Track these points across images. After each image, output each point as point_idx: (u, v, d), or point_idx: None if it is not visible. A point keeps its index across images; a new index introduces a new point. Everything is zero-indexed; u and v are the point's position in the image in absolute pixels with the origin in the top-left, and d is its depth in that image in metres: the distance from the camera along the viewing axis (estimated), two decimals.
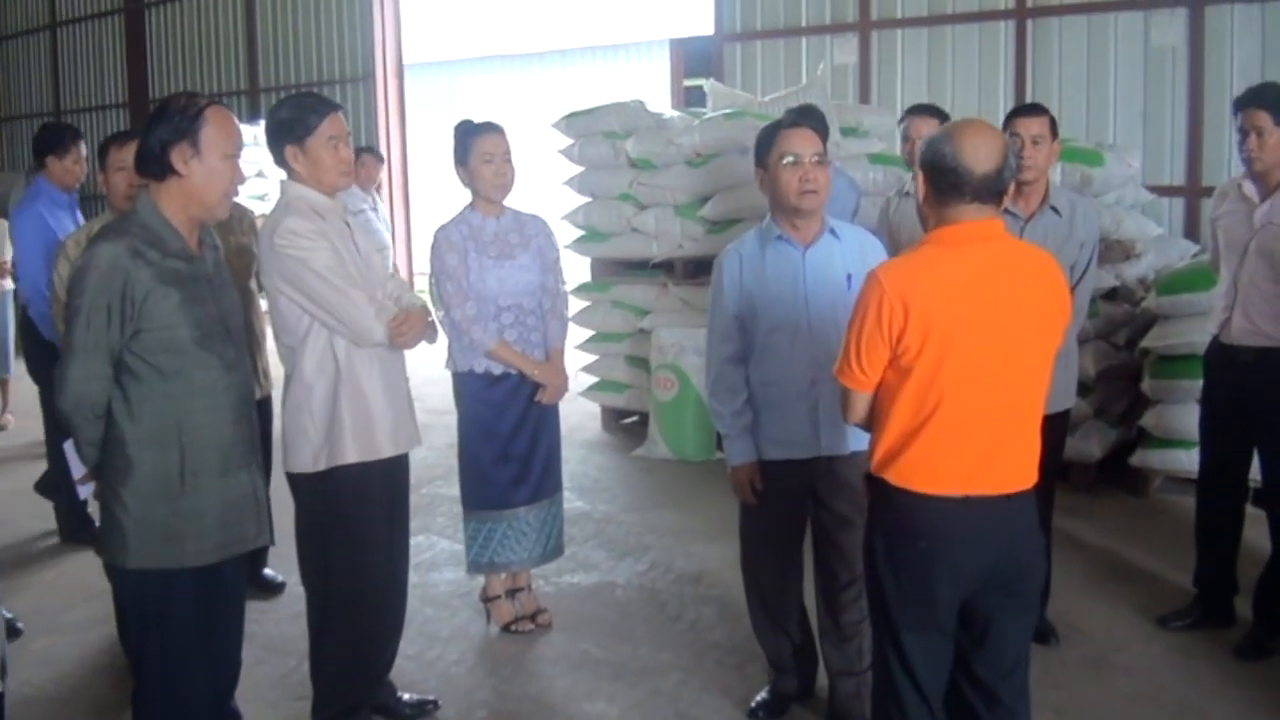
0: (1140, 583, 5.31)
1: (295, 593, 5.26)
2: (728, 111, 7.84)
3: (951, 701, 3.06)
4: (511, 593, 4.98)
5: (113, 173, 4.42)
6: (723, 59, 11.50)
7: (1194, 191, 9.21)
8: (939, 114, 5.47)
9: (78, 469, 3.37)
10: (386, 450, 3.84)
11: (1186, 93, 9.19)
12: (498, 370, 4.65)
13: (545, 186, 9.62)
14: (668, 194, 7.85)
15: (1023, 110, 4.68)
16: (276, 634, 4.91)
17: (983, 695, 3.03)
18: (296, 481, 3.84)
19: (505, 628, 4.90)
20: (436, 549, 5.97)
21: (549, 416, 4.84)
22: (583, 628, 4.96)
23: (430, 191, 15.17)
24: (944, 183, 2.86)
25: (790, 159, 3.72)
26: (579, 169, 8.40)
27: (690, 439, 7.58)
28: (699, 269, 7.97)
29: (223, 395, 3.21)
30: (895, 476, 2.92)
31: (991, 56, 10.05)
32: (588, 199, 8.40)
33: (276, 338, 3.84)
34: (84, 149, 6.14)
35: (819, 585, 4.03)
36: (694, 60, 13.16)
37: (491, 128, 4.68)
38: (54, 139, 6.10)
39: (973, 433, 2.87)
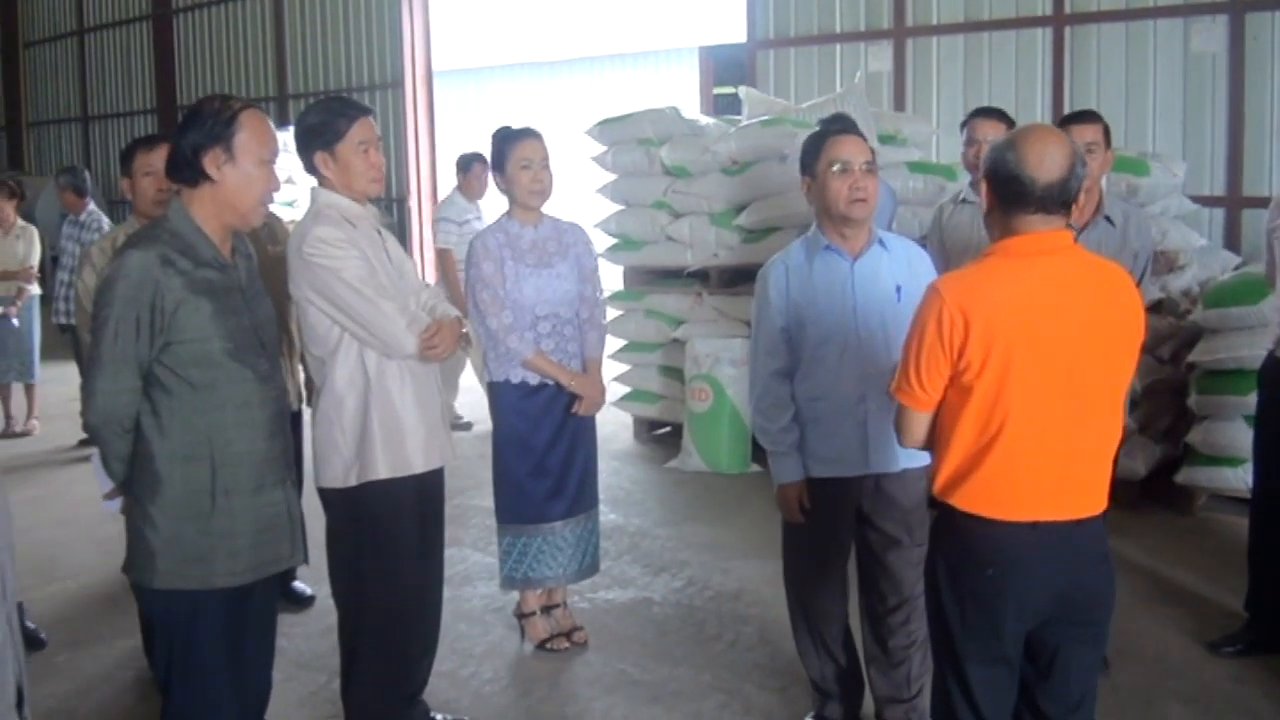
0: (1189, 605, 5.16)
1: (324, 606, 5.16)
2: (764, 119, 7.74)
3: None
4: (547, 609, 4.87)
5: (139, 178, 4.31)
6: (755, 66, 11.39)
7: (1235, 202, 9.03)
8: (1004, 118, 5.30)
9: (104, 484, 3.26)
10: (418, 465, 3.74)
11: (1227, 101, 9.00)
12: (534, 381, 4.54)
13: (577, 194, 9.53)
14: (703, 202, 7.74)
15: (1076, 117, 4.56)
16: (306, 649, 4.82)
17: None
18: (327, 496, 3.75)
19: (540, 645, 4.79)
20: (469, 562, 5.85)
21: (586, 429, 4.73)
22: (619, 646, 4.84)
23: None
24: (1007, 191, 2.74)
25: (839, 166, 3.60)
26: (612, 176, 8.31)
27: (725, 451, 7.46)
28: (734, 278, 7.86)
29: (256, 409, 3.10)
30: (961, 501, 2.79)
31: (1029, 64, 9.89)
32: (621, 207, 8.31)
33: (306, 349, 3.75)
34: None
35: (865, 608, 3.91)
36: (723, 68, 13.05)
37: (529, 133, 4.59)
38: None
39: (1041, 456, 2.73)
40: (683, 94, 13.22)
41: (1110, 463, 2.87)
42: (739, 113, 9.88)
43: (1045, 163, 2.69)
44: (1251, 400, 6.03)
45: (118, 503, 3.27)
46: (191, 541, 3.01)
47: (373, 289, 3.56)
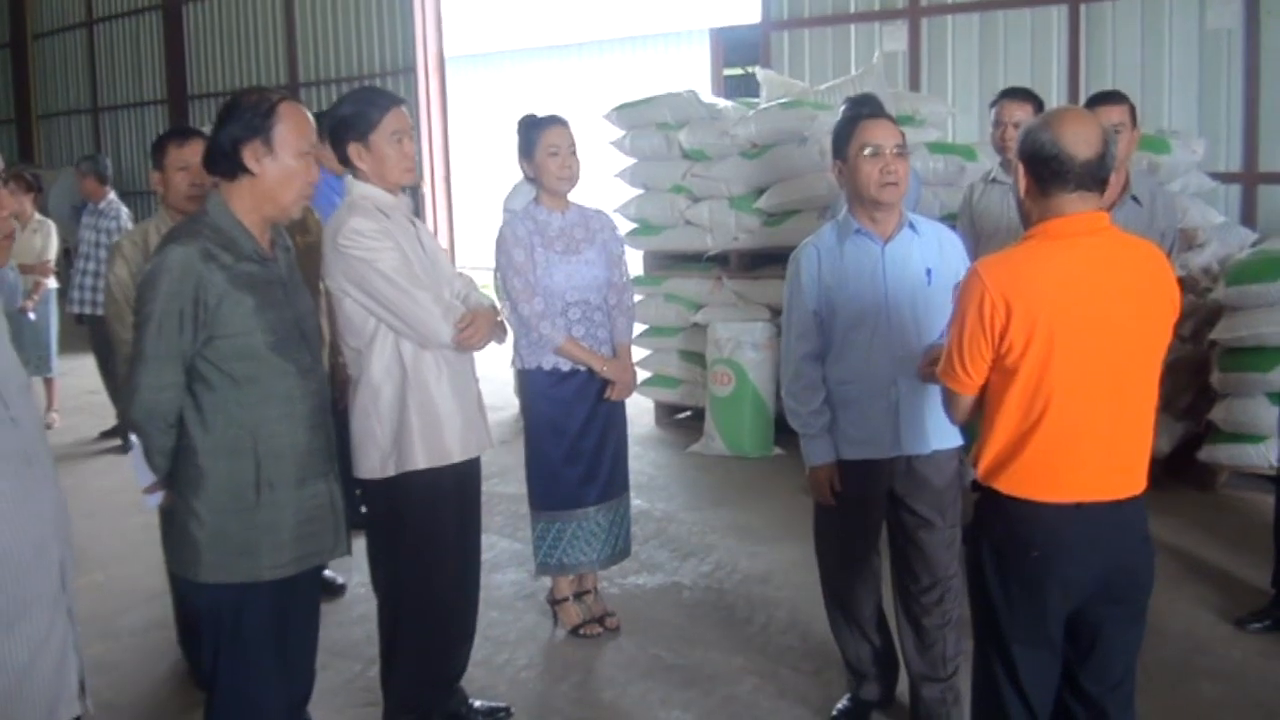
0: (1215, 582, 5.17)
1: (355, 594, 5.22)
2: (783, 101, 7.73)
3: (1055, 715, 2.95)
4: (579, 595, 4.89)
5: (172, 172, 4.27)
6: (770, 47, 11.34)
7: (1251, 178, 9.01)
8: (1032, 98, 5.30)
9: (145, 477, 3.26)
10: (456, 455, 3.75)
11: (1242, 77, 8.97)
12: (566, 367, 4.56)
13: (594, 178, 9.53)
14: (722, 186, 7.75)
15: (1102, 98, 4.57)
16: (340, 637, 4.83)
17: (1089, 708, 2.92)
18: (365, 486, 3.77)
19: (573, 631, 4.81)
20: (497, 549, 5.86)
21: (616, 414, 4.76)
22: (651, 631, 4.86)
23: (473, 184, 15.11)
24: (1045, 171, 2.75)
25: (871, 150, 3.60)
26: (630, 161, 8.29)
27: (747, 435, 7.48)
28: (755, 262, 7.88)
29: (299, 402, 3.10)
30: (1005, 485, 2.80)
31: (1044, 43, 9.86)
32: (640, 191, 8.31)
33: (342, 340, 3.74)
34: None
35: (898, 589, 3.93)
36: (733, 49, 13.02)
37: (556, 120, 4.59)
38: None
39: (1084, 437, 2.75)
40: (693, 75, 13.24)
41: (1149, 442, 2.89)
42: (750, 94, 9.88)
43: (1081, 141, 2.71)
44: (1274, 377, 6.07)
45: (158, 497, 3.29)
46: (237, 535, 3.02)
47: (407, 279, 3.57)
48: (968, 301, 2.76)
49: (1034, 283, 2.71)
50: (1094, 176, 2.74)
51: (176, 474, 3.07)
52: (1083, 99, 9.38)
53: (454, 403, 3.72)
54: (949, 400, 2.96)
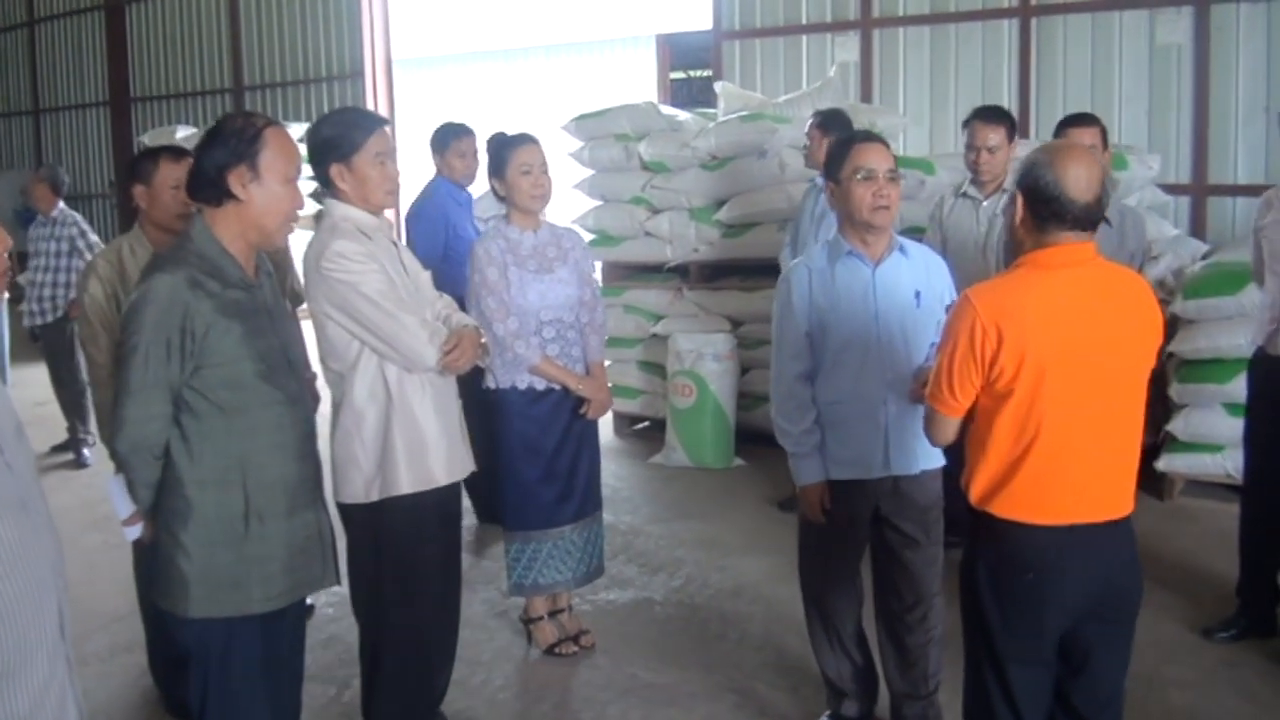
0: (1180, 591, 5.23)
1: (324, 615, 5.17)
2: (743, 114, 7.75)
3: None
4: (553, 613, 4.87)
5: (163, 190, 4.16)
6: (721, 56, 11.40)
7: (1200, 190, 9.20)
8: (1005, 119, 5.37)
9: (125, 508, 3.18)
10: (440, 479, 3.72)
11: (1192, 92, 9.16)
12: (540, 386, 4.54)
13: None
14: (682, 197, 7.77)
15: (1075, 120, 4.63)
16: (311, 661, 4.66)
17: None
18: (347, 512, 3.73)
19: (548, 650, 4.78)
20: (464, 566, 5.78)
21: (589, 432, 4.74)
22: (626, 649, 4.85)
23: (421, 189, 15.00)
24: (1045, 210, 2.81)
25: (864, 174, 3.63)
26: (589, 172, 8.28)
27: (709, 447, 7.47)
28: (715, 273, 7.90)
29: (287, 431, 3.06)
30: (999, 508, 2.85)
31: (995, 55, 10.00)
32: (599, 202, 8.30)
33: (323, 363, 3.70)
34: (473, 143, 6.25)
35: (880, 607, 3.96)
36: (680, 54, 13.05)
37: (527, 139, 4.58)
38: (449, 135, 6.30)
39: (1075, 460, 2.82)
40: (640, 81, 13.30)
41: (1136, 463, 2.97)
42: (694, 97, 9.89)
43: (1083, 185, 2.78)
44: (1231, 389, 6.16)
45: (138, 529, 3.22)
46: (226, 568, 2.97)
47: (393, 303, 3.53)
48: (959, 327, 2.81)
49: (1024, 310, 2.77)
50: (1089, 218, 2.81)
51: (161, 506, 3.01)
52: (1034, 112, 9.60)
53: (438, 426, 3.69)
54: (933, 422, 3.02)
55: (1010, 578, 2.87)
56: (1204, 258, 7.26)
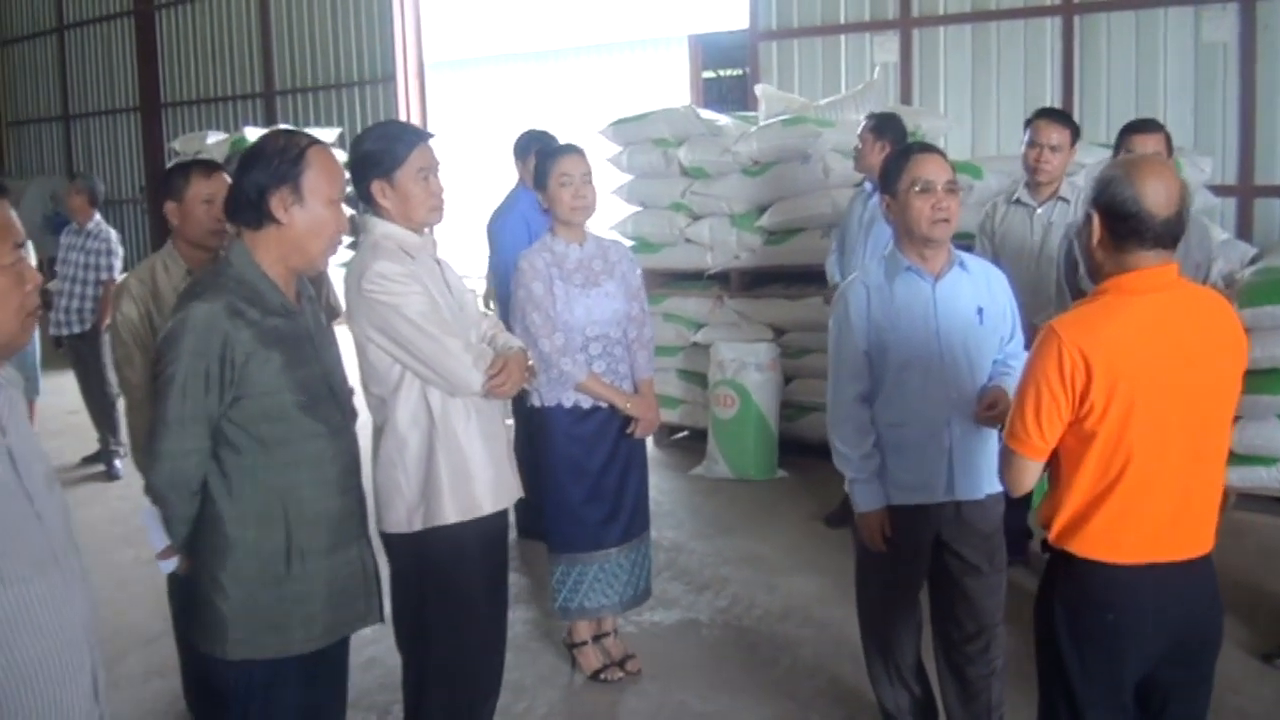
0: (1234, 613, 4.97)
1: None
2: (785, 118, 7.61)
3: None
4: (598, 637, 4.75)
5: (195, 204, 4.04)
6: (758, 57, 11.24)
7: (1247, 191, 9.00)
8: (1068, 121, 5.23)
9: (159, 540, 3.06)
10: (486, 507, 3.58)
11: (1238, 90, 8.96)
12: (587, 404, 4.42)
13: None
14: (723, 203, 7.65)
15: (1138, 127, 4.49)
16: (351, 686, 4.64)
17: None
18: (390, 542, 3.60)
19: (593, 676, 4.66)
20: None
21: (637, 451, 4.62)
22: (674, 674, 4.71)
23: (455, 193, 14.92)
24: (1123, 228, 2.66)
25: (922, 186, 3.50)
26: (628, 177, 8.17)
27: (752, 458, 7.35)
28: (756, 281, 7.78)
29: (329, 465, 2.94)
30: (1080, 547, 2.70)
31: (1037, 54, 9.81)
32: (638, 208, 8.18)
33: (365, 387, 3.56)
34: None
35: (940, 637, 3.82)
36: (712, 54, 12.94)
37: (569, 149, 4.46)
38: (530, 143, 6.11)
39: (1160, 496, 2.67)
40: (671, 81, 13.24)
41: (1219, 498, 2.82)
42: (726, 96, 9.75)
43: (1163, 199, 2.63)
44: None
45: (173, 562, 3.12)
46: (266, 608, 2.85)
47: (437, 325, 3.40)
48: (1044, 361, 2.65)
49: (1113, 340, 2.62)
50: (1171, 234, 2.67)
51: (199, 543, 2.89)
52: (1077, 112, 9.39)
53: (484, 452, 3.56)
54: (1012, 467, 2.81)
55: (1089, 619, 2.72)
56: (1252, 261, 7.10)
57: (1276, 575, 4.99)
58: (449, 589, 3.56)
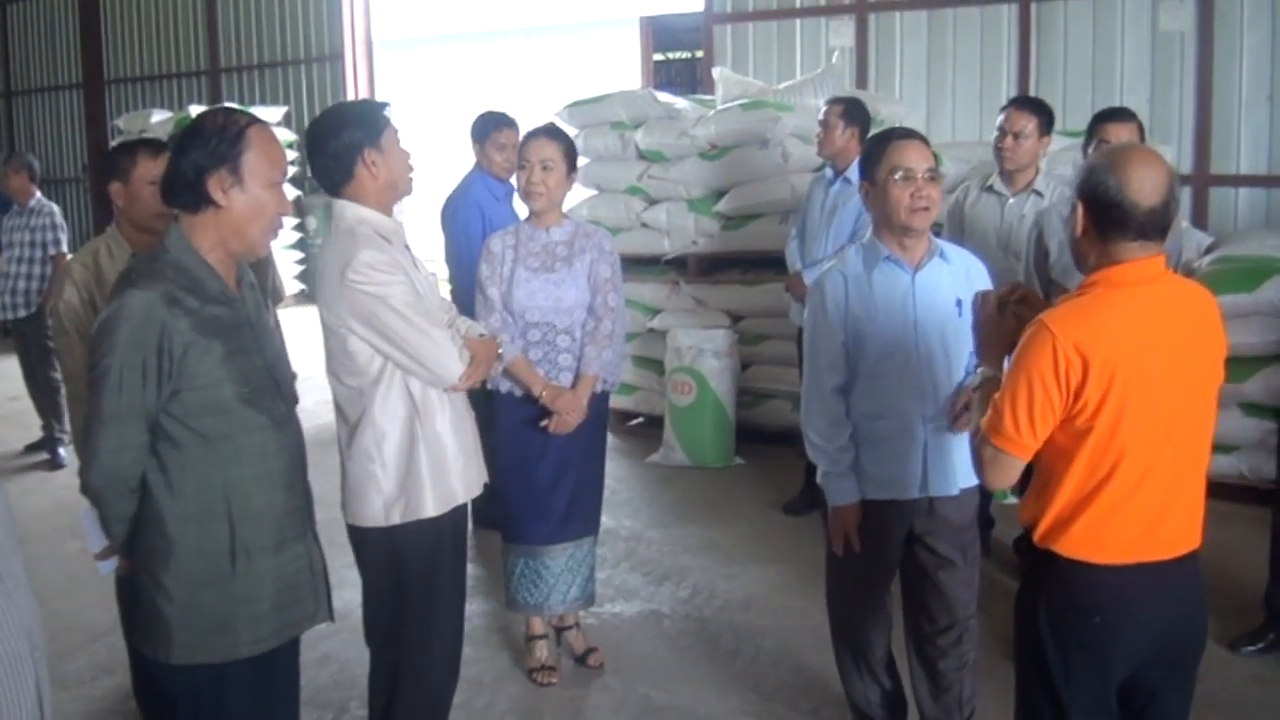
0: None
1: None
2: (744, 102, 7.53)
3: None
4: (561, 629, 4.65)
5: (141, 185, 3.83)
6: (712, 40, 11.13)
7: (1203, 180, 9.03)
8: (1041, 110, 5.17)
9: (98, 541, 2.95)
10: (460, 496, 3.49)
11: (1195, 79, 8.98)
12: (520, 392, 4.32)
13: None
14: (680, 188, 7.56)
15: (1111, 115, 4.45)
16: (303, 683, 4.49)
17: None
18: (362, 535, 3.46)
19: (528, 673, 4.56)
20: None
21: (578, 452, 4.43)
22: (637, 667, 4.62)
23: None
24: (1106, 218, 2.58)
25: (902, 174, 3.41)
26: (583, 161, 8.01)
27: (709, 445, 7.28)
28: (713, 266, 7.70)
29: (274, 459, 2.80)
30: (1066, 547, 2.63)
31: (994, 41, 9.79)
32: (593, 192, 8.09)
33: (338, 378, 3.42)
34: (515, 134, 5.78)
35: (912, 630, 3.76)
36: (661, 36, 12.88)
37: (532, 132, 4.40)
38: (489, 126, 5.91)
39: (1148, 494, 2.60)
40: (621, 63, 13.17)
41: (1203, 494, 2.77)
42: (677, 80, 9.67)
43: (1147, 187, 2.55)
44: (1248, 388, 6.05)
45: (112, 563, 3.01)
46: (211, 609, 2.72)
47: (421, 316, 3.30)
48: (1036, 357, 2.55)
49: (1107, 334, 2.54)
50: (1157, 225, 2.58)
51: (139, 543, 2.74)
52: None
53: (456, 442, 3.46)
54: (995, 464, 2.69)
55: (1075, 621, 2.65)
56: (1208, 250, 7.10)
57: (1240, 564, 4.96)
58: (424, 582, 3.46)
